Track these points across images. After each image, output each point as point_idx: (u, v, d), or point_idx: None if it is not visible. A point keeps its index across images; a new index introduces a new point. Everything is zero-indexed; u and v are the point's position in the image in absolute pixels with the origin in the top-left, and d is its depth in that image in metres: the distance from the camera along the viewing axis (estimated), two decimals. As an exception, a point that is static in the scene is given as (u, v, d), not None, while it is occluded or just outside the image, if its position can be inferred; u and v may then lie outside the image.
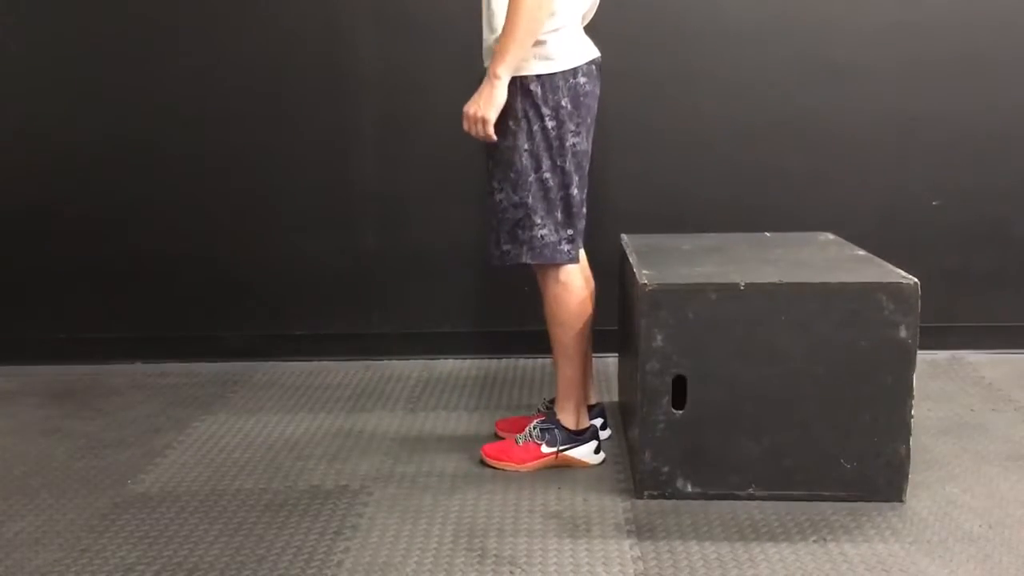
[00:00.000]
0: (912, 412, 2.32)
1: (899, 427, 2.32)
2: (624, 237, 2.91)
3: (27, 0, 3.37)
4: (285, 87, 3.42)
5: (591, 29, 2.55)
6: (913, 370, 2.30)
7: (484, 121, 2.35)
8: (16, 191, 3.51)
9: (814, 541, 2.20)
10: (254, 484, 2.55)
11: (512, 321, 3.51)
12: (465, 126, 2.39)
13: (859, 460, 2.34)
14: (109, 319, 3.58)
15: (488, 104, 2.34)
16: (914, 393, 2.31)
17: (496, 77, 2.32)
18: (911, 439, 2.34)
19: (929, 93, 3.36)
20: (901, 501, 2.36)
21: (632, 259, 2.59)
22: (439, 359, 3.57)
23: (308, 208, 3.50)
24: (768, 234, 2.98)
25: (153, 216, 3.50)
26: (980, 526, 2.26)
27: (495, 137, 2.38)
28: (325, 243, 3.52)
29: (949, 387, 3.17)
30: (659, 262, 2.55)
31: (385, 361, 3.57)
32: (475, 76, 2.47)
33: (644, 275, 2.39)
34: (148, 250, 3.52)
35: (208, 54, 3.41)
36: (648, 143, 3.41)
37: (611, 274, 2.92)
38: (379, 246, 3.51)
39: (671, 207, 3.41)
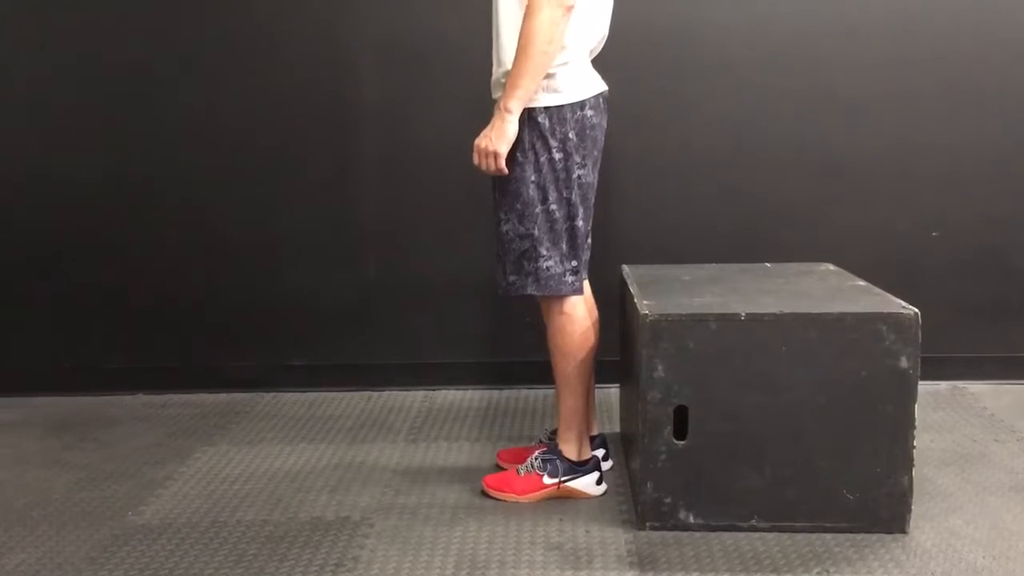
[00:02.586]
0: (914, 443, 2.32)
1: (901, 458, 2.32)
2: (625, 268, 2.92)
3: (33, 36, 3.42)
4: (287, 120, 3.45)
5: (598, 63, 2.57)
6: (914, 400, 2.30)
7: (495, 155, 2.36)
8: (16, 223, 3.53)
9: (818, 573, 2.19)
10: (255, 516, 2.54)
11: (513, 351, 3.51)
12: (475, 160, 2.40)
13: (862, 491, 2.34)
14: (110, 350, 3.58)
15: (500, 138, 2.35)
16: (916, 424, 2.31)
17: (508, 111, 2.33)
18: (913, 470, 2.33)
19: (928, 125, 3.38)
20: (904, 533, 2.35)
21: (633, 289, 2.60)
22: (440, 390, 3.57)
23: (310, 239, 3.51)
24: (768, 264, 2.99)
25: (155, 248, 3.52)
26: (983, 558, 2.25)
27: (507, 171, 2.39)
28: (327, 274, 3.52)
29: (951, 418, 3.16)
30: (660, 292, 2.56)
31: (386, 392, 3.56)
32: (479, 109, 2.48)
33: (645, 305, 2.40)
34: (150, 281, 3.53)
35: (210, 88, 3.43)
36: (650, 175, 3.43)
37: (612, 305, 2.92)
38: (380, 277, 3.52)
39: (672, 238, 3.42)
